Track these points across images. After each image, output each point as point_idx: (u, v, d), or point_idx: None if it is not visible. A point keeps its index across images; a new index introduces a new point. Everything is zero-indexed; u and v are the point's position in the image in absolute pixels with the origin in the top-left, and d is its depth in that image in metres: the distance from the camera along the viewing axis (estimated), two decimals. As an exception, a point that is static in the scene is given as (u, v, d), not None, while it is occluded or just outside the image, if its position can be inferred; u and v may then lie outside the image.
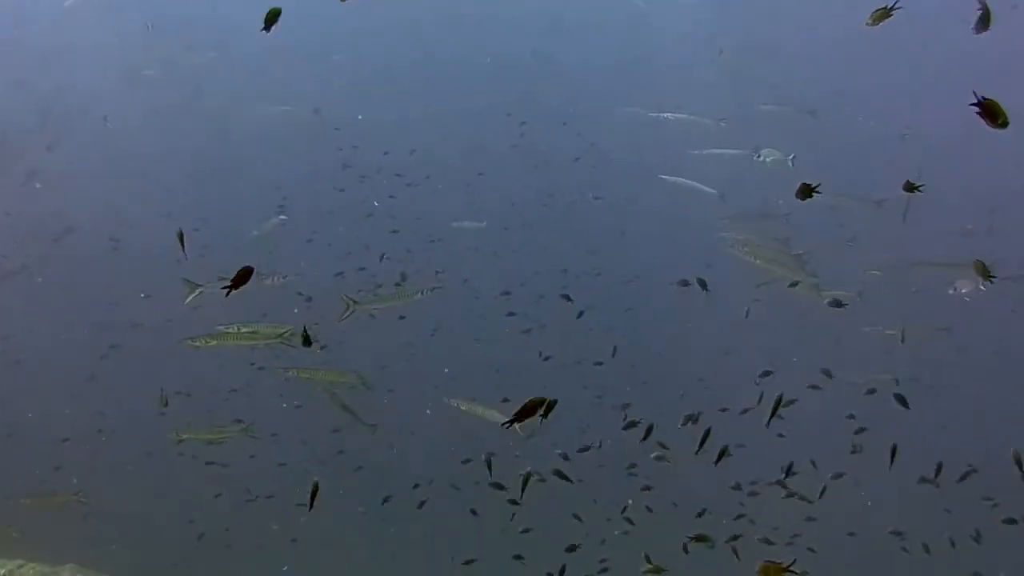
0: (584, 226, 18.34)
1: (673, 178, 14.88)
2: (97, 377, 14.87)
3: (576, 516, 11.68)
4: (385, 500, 12.64)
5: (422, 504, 12.19)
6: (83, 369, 15.03)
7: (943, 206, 12.23)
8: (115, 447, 14.03)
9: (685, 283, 11.42)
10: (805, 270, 11.24)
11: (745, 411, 10.72)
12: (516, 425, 9.80)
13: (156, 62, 20.06)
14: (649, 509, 11.48)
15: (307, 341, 6.69)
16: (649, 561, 9.76)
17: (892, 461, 8.06)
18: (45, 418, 14.29)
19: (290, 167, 18.36)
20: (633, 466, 11.69)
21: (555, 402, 5.41)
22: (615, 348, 13.07)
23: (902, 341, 11.86)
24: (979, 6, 5.21)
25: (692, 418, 10.35)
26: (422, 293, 10.05)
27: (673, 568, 9.14)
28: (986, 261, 10.01)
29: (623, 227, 18.45)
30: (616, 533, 11.21)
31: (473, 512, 11.70)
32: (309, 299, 13.17)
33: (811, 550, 11.36)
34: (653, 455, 10.96)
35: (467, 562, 11.03)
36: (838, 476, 11.01)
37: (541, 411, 5.36)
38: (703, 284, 11.18)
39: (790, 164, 12.01)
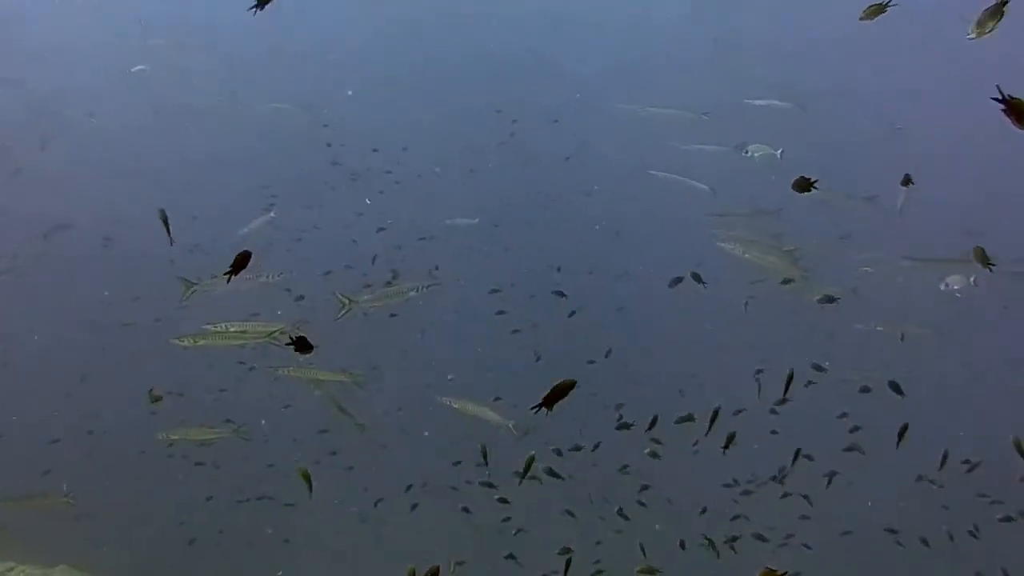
0: (576, 224, 18.30)
1: (663, 174, 14.88)
2: (88, 377, 14.80)
3: (569, 512, 11.67)
4: (377, 503, 12.61)
5: (414, 507, 12.16)
6: (74, 369, 14.95)
7: (936, 202, 12.24)
8: (106, 448, 13.94)
9: (678, 280, 11.39)
10: (797, 266, 11.22)
11: (738, 412, 10.71)
12: (510, 424, 9.87)
13: (147, 60, 19.96)
14: (642, 503, 11.47)
15: (304, 346, 6.59)
16: (644, 553, 9.77)
17: (900, 441, 8.02)
18: (35, 419, 14.19)
19: (280, 164, 18.26)
20: (626, 466, 11.68)
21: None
22: (609, 350, 13.05)
23: (902, 340, 11.85)
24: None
25: (686, 418, 10.35)
26: (418, 290, 9.96)
27: (668, 568, 9.13)
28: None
29: (615, 225, 18.43)
30: (611, 532, 11.17)
31: (466, 510, 11.68)
32: (301, 298, 13.11)
33: (806, 546, 11.37)
34: (646, 451, 10.96)
35: (459, 563, 11.00)
36: (833, 474, 11.02)
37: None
38: (698, 278, 11.16)
39: (779, 158, 11.98)
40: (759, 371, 11.03)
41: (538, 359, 13.81)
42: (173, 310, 10.65)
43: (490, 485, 11.11)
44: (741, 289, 12.65)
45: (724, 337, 15.06)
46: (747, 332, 14.47)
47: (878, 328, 12.55)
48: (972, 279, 11.00)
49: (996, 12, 4.58)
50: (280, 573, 12.60)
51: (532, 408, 5.38)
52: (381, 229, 15.64)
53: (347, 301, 9.38)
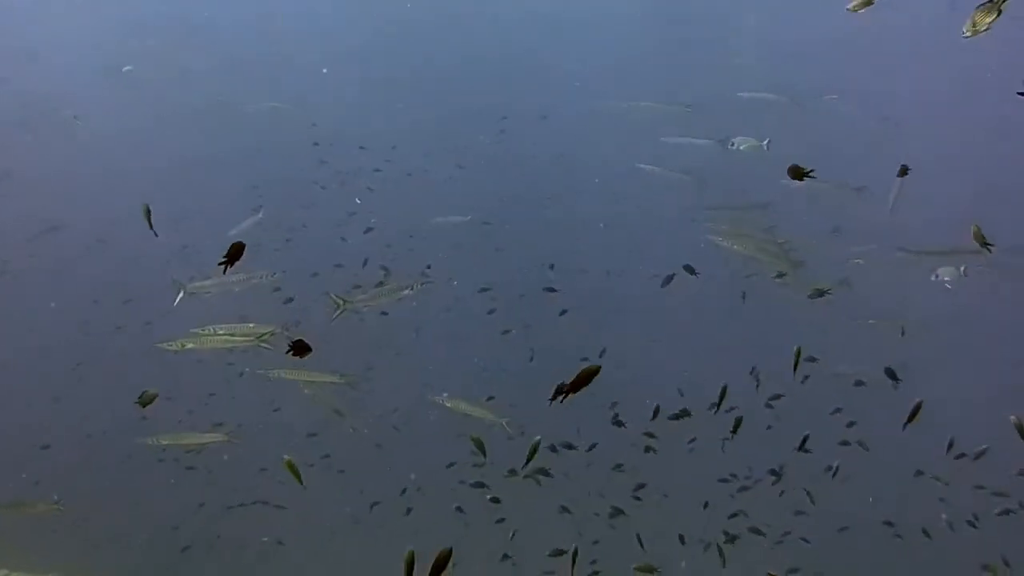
0: (568, 221, 18.24)
1: (651, 167, 14.83)
2: (78, 381, 14.68)
3: (565, 508, 11.63)
4: (373, 506, 12.55)
5: (409, 511, 12.10)
6: (64, 373, 14.84)
7: (928, 196, 12.22)
8: (97, 453, 13.84)
9: (670, 279, 11.36)
10: (790, 259, 11.19)
11: (730, 409, 10.68)
12: (504, 422, 9.82)
13: (135, 60, 19.85)
14: (637, 498, 11.44)
15: (302, 349, 6.54)
16: (642, 545, 9.73)
17: (911, 419, 7.98)
18: (25, 424, 14.08)
19: (269, 164, 18.15)
20: (620, 465, 11.65)
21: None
22: (603, 349, 13.01)
23: (902, 335, 11.84)
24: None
25: (682, 413, 10.32)
26: (411, 288, 9.87)
27: (665, 565, 9.11)
28: (971, 248, 10.00)
29: (607, 221, 18.37)
30: (608, 531, 11.13)
31: (459, 510, 11.63)
32: (291, 300, 13.02)
33: (804, 540, 11.36)
34: (645, 445, 10.95)
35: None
36: (836, 467, 11.00)
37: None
38: (691, 270, 11.13)
39: (765, 149, 11.93)
40: (754, 369, 11.01)
41: (531, 359, 13.76)
42: (163, 314, 10.57)
43: (481, 485, 11.08)
44: (734, 284, 12.63)
45: (718, 333, 15.03)
46: (740, 327, 14.45)
47: (871, 322, 12.54)
48: (963, 270, 11.00)
49: (991, 10, 4.49)
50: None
51: (560, 394, 5.43)
52: (369, 230, 15.55)
53: (341, 302, 9.28)
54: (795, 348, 8.40)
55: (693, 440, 11.99)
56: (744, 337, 14.09)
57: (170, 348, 8.21)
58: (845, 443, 11.07)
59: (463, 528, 11.68)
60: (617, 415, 10.99)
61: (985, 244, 7.33)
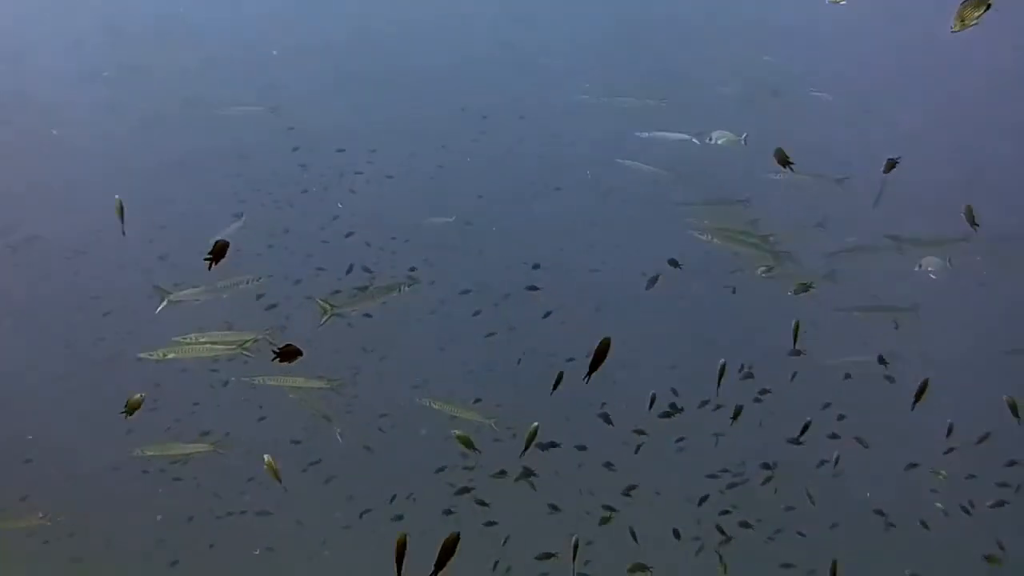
0: (551, 220, 18.17)
1: (630, 162, 14.79)
2: (59, 394, 14.54)
3: (553, 506, 11.58)
4: (363, 513, 12.47)
5: (400, 518, 12.03)
6: (45, 386, 14.68)
7: (910, 187, 12.23)
8: (82, 465, 13.70)
9: (654, 281, 11.33)
10: (775, 253, 11.18)
11: (717, 407, 10.68)
12: (492, 422, 9.78)
13: (113, 65, 19.68)
14: (628, 494, 11.41)
15: (291, 354, 6.47)
16: (635, 539, 9.69)
17: (918, 400, 7.98)
18: (7, 438, 13.92)
19: (249, 168, 18.00)
20: (611, 465, 11.61)
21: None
22: (590, 350, 12.93)
23: (896, 328, 11.85)
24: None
25: (673, 412, 10.30)
26: (399, 290, 9.79)
27: (658, 564, 9.09)
28: (957, 237, 10.05)
29: (590, 219, 18.32)
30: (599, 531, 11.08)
31: (449, 511, 11.58)
32: (273, 306, 12.91)
33: (800, 534, 11.37)
34: (636, 445, 10.93)
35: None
36: (823, 464, 11.01)
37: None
38: (674, 263, 11.12)
39: (743, 143, 11.91)
40: (743, 367, 10.99)
41: (519, 362, 13.72)
42: (145, 323, 10.46)
43: (467, 490, 11.03)
44: (721, 279, 12.62)
45: (706, 329, 15.00)
46: (729, 323, 14.43)
47: (855, 315, 12.55)
48: (948, 260, 11.04)
49: (979, 4, 4.44)
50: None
51: (584, 377, 5.77)
52: (350, 234, 15.45)
53: (329, 307, 9.17)
54: (794, 321, 8.48)
55: (681, 439, 11.98)
56: (733, 333, 14.06)
57: (151, 358, 8.11)
58: (834, 436, 11.08)
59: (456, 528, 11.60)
60: (607, 415, 10.96)
61: (973, 223, 7.45)
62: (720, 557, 10.23)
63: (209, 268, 6.18)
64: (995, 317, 14.55)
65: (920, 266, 11.07)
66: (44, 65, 20.36)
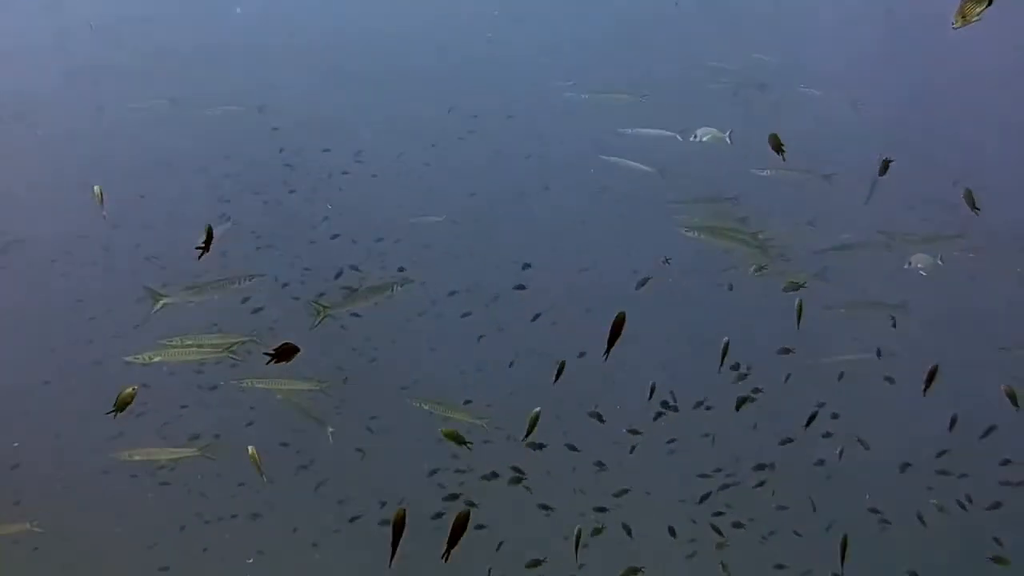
0: (540, 219, 18.11)
1: (615, 158, 14.70)
2: (46, 399, 14.40)
3: (544, 506, 11.53)
4: (353, 519, 12.39)
5: (387, 522, 11.94)
6: (32, 390, 14.54)
7: (901, 183, 12.21)
8: (71, 471, 13.57)
9: (644, 282, 11.29)
10: (766, 251, 11.13)
11: (708, 408, 10.66)
12: (483, 422, 9.72)
13: (94, 64, 19.52)
14: (624, 491, 11.37)
15: (287, 353, 6.38)
16: (630, 534, 9.67)
17: (929, 385, 7.95)
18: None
19: (235, 169, 17.87)
20: (602, 464, 11.56)
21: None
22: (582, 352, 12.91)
23: (894, 326, 11.81)
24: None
25: (668, 408, 10.28)
26: (392, 290, 9.68)
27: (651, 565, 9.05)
28: (951, 233, 10.01)
29: (580, 217, 18.26)
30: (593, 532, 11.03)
31: (440, 515, 11.50)
32: (260, 309, 12.81)
33: (796, 534, 11.34)
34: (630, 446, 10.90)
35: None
36: (820, 463, 10.99)
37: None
38: (666, 260, 11.10)
39: (728, 141, 11.86)
40: (738, 365, 10.93)
41: (511, 364, 13.66)
42: (132, 326, 10.37)
43: (455, 496, 10.98)
44: (713, 278, 12.57)
45: (697, 329, 14.95)
46: (722, 321, 14.39)
47: (841, 311, 12.51)
48: (939, 257, 11.01)
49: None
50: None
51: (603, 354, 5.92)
52: (336, 236, 15.35)
53: (322, 308, 9.05)
54: (797, 302, 8.47)
55: (672, 441, 11.93)
56: (726, 332, 14.02)
57: (137, 361, 8.01)
58: (828, 435, 11.05)
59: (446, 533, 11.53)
60: (600, 415, 10.91)
61: (974, 207, 7.48)
62: (724, 566, 10.20)
63: (200, 257, 6.29)
64: (987, 314, 14.55)
65: (910, 263, 11.03)
66: (27, 64, 20.19)
